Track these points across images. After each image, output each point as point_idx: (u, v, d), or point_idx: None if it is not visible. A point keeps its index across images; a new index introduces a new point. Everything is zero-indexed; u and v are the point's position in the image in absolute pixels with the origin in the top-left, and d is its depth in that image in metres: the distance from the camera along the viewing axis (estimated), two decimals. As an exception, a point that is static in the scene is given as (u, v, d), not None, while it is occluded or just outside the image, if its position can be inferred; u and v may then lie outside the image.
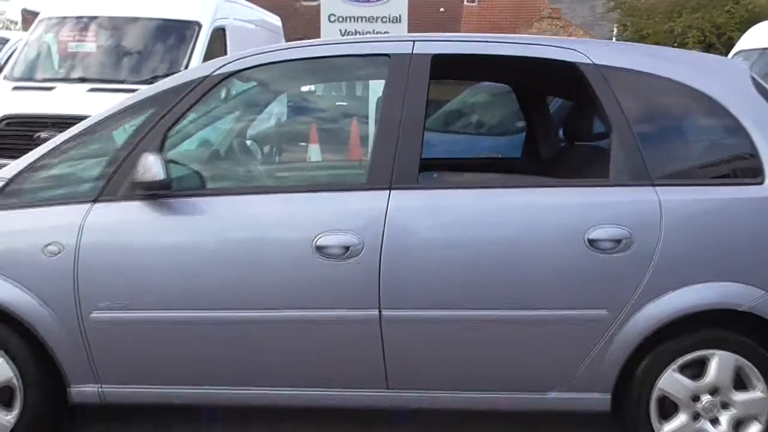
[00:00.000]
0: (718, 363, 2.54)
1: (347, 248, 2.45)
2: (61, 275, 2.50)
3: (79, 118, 5.94)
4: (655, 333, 2.50)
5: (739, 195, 2.55)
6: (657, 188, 2.51)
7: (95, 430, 2.94)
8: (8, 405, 2.60)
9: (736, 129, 2.58)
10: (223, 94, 2.75)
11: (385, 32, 9.90)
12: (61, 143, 2.69)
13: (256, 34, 9.32)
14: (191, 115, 2.66)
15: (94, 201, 2.54)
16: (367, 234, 2.46)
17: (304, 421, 2.96)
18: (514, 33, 24.11)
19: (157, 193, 2.46)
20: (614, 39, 28.00)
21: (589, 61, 2.63)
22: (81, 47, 6.96)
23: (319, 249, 2.46)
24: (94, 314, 2.51)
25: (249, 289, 2.50)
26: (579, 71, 2.63)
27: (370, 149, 2.60)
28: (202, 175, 2.70)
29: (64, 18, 7.07)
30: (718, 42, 15.00)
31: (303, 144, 3.38)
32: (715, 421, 2.58)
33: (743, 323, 2.55)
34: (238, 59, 2.65)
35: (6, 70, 6.80)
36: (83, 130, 2.72)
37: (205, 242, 2.52)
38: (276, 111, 3.37)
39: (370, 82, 5.58)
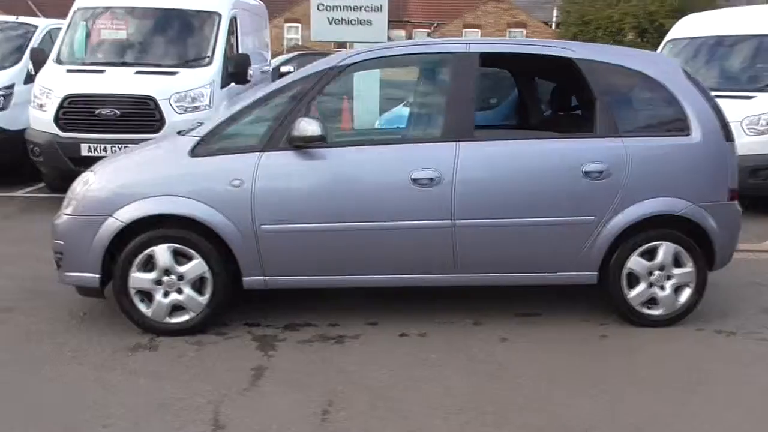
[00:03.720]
0: (664, 250, 3.99)
1: (432, 179, 3.78)
2: (242, 200, 3.72)
3: (132, 96, 7.12)
4: (625, 231, 3.92)
5: (675, 142, 3.99)
6: (624, 139, 3.93)
7: (252, 306, 4.18)
8: (199, 291, 3.83)
9: (673, 101, 4.02)
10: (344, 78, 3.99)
11: (368, 20, 11.11)
12: (235, 113, 3.88)
13: (251, 20, 10.42)
14: (325, 92, 3.92)
15: (262, 151, 3.77)
16: (444, 170, 3.79)
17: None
18: (459, 15, 25.22)
19: (309, 144, 3.72)
20: (554, 22, 29.82)
21: (579, 56, 4.02)
22: (118, 35, 7.94)
23: (414, 180, 3.77)
24: (264, 226, 3.76)
25: (367, 207, 3.79)
26: (574, 63, 4.01)
27: (444, 115, 3.91)
28: (329, 133, 3.95)
29: (103, 8, 8.00)
30: (651, 27, 16.83)
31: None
32: (662, 288, 4.05)
33: (679, 224, 4.01)
34: (355, 54, 3.92)
35: (53, 55, 7.70)
36: (249, 103, 3.89)
37: (337, 177, 3.79)
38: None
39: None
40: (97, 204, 3.75)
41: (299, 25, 31.87)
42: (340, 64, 3.88)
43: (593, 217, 3.90)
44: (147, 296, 3.81)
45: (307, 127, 3.66)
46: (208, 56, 7.79)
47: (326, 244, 3.81)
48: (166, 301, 3.79)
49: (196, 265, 3.77)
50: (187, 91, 7.27)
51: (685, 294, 4.07)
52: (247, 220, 3.74)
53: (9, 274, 4.92)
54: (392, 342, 3.83)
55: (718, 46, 8.97)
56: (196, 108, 7.31)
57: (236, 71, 8.13)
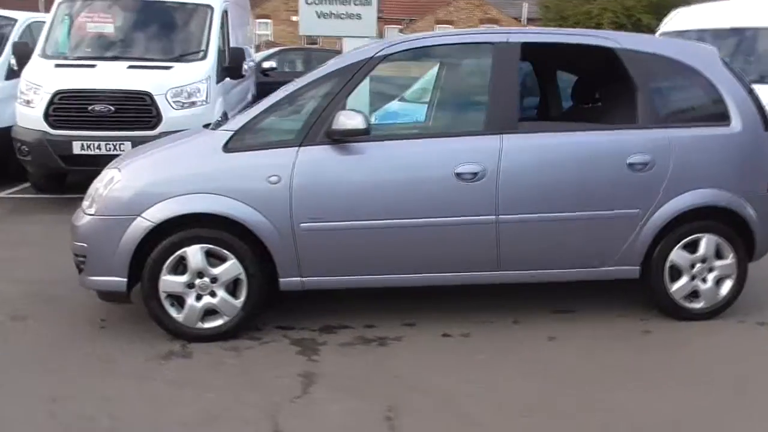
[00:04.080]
0: (706, 242, 3.92)
1: (476, 173, 3.64)
2: (280, 198, 3.53)
3: (127, 92, 6.82)
4: (669, 223, 3.84)
5: (716, 132, 3.92)
6: (667, 129, 3.85)
7: (282, 308, 4.00)
8: (233, 294, 3.63)
9: (713, 90, 3.96)
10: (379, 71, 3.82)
11: (357, 14, 10.90)
12: (269, 106, 3.68)
13: (238, 13, 10.18)
14: (362, 84, 3.74)
15: (300, 145, 3.58)
16: (489, 163, 3.66)
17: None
18: (431, 11, 24.97)
19: (348, 138, 3.54)
20: (525, 18, 29.96)
21: (620, 46, 3.92)
22: (105, 28, 7.61)
23: (458, 175, 3.63)
24: (303, 224, 3.57)
25: (410, 203, 3.63)
26: (615, 53, 3.91)
27: (486, 108, 3.76)
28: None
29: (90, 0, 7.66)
30: (628, 22, 17.03)
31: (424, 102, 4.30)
32: (704, 280, 3.98)
33: (720, 215, 3.94)
34: (390, 45, 3.75)
35: (38, 49, 7.34)
36: (283, 96, 3.70)
37: (380, 171, 3.62)
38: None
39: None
40: (124, 203, 3.52)
41: (269, 20, 31.48)
42: (378, 54, 3.71)
43: (637, 210, 3.81)
44: (177, 300, 3.60)
45: (347, 121, 3.49)
46: (203, 50, 7.52)
47: (367, 242, 3.65)
48: (199, 305, 3.58)
49: (231, 267, 3.57)
50: (184, 86, 7.00)
51: (726, 286, 4.01)
52: (285, 219, 3.56)
53: (12, 279, 4.64)
54: (436, 343, 3.68)
55: (712, 39, 9.02)
56: (193, 104, 7.07)
57: (231, 65, 7.90)
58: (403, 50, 3.79)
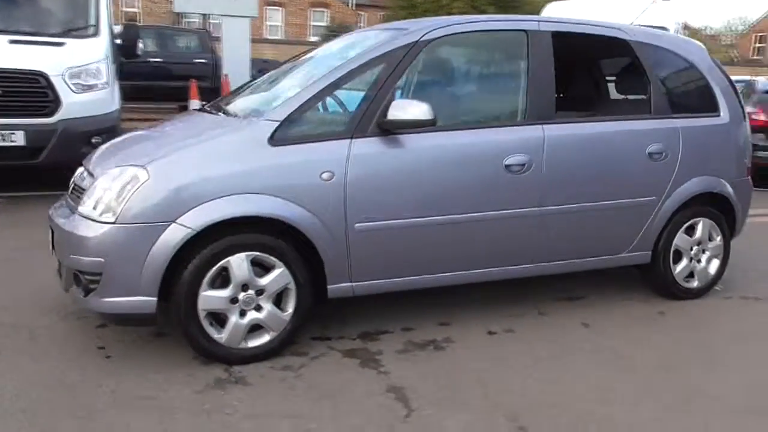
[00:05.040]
0: (702, 226, 4.21)
1: (523, 165, 3.56)
2: (334, 196, 3.17)
3: (17, 72, 5.81)
4: (678, 209, 4.06)
5: (710, 122, 4.21)
6: (675, 119, 4.05)
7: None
8: (278, 304, 3.19)
9: (705, 82, 4.24)
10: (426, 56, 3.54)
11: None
12: (315, 94, 3.24)
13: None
14: (409, 71, 3.45)
15: (351, 137, 3.22)
16: (534, 154, 3.58)
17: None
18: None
19: (400, 131, 3.26)
20: (354, 3, 30.19)
21: (632, 38, 4.04)
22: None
23: (507, 167, 3.52)
24: (357, 225, 3.24)
25: (466, 197, 3.44)
26: (628, 44, 4.02)
27: (526, 97, 3.66)
28: None
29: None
30: (475, 13, 17.79)
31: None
32: (698, 261, 4.28)
33: (712, 199, 4.23)
34: (437, 28, 3.49)
35: None
36: (329, 84, 3.28)
37: (438, 164, 3.37)
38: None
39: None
40: (155, 208, 2.93)
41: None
42: (423, 39, 3.44)
43: (654, 197, 3.98)
44: (216, 318, 3.10)
45: (402, 112, 3.20)
46: (93, 25, 6.58)
47: (422, 241, 3.40)
48: (244, 321, 3.11)
49: (280, 276, 3.14)
50: (83, 66, 6.10)
51: (714, 265, 4.33)
52: (339, 219, 3.19)
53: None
54: (490, 342, 3.55)
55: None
56: (92, 87, 6.20)
57: (126, 44, 7.00)
58: (451, 34, 3.56)
